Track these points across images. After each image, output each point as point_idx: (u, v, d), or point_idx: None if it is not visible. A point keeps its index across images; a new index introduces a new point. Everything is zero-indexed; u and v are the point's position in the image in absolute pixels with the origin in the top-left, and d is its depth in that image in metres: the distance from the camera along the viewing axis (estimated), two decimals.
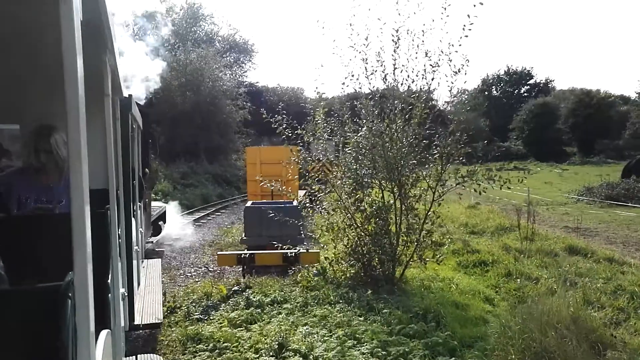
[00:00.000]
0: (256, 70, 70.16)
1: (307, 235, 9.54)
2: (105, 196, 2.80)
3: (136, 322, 4.70)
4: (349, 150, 7.47)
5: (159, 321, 4.98)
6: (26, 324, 1.54)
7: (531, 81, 76.22)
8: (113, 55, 2.49)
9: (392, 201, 7.31)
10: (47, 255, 2.24)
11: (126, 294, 3.53)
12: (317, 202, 8.16)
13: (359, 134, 7.31)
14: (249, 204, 10.75)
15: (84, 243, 1.26)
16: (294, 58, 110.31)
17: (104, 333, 1.97)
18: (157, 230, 10.98)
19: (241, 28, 71.49)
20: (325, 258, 8.00)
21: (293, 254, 8.02)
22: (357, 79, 7.41)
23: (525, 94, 73.50)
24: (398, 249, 7.22)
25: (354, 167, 7.39)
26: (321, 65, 8.66)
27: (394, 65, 7.13)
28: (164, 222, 11.86)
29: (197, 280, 8.82)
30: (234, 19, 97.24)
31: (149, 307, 5.24)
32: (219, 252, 8.85)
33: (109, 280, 2.54)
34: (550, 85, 75.74)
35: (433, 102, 7.60)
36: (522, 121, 58.01)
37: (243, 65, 45.81)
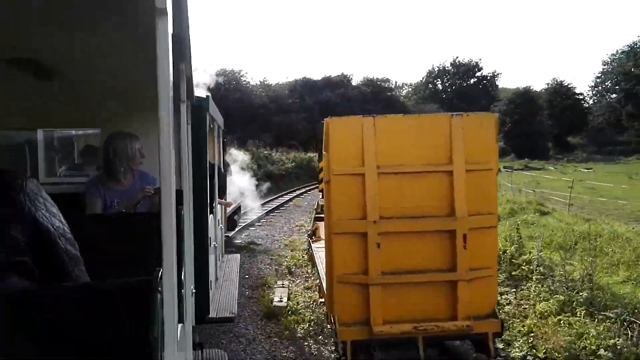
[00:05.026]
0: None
1: None
2: (180, 197, 2.75)
3: (210, 316, 4.78)
4: None
5: (233, 315, 4.99)
6: (119, 316, 1.58)
7: (478, 74, 70.95)
8: (189, 65, 2.60)
9: None
10: (132, 253, 2.33)
11: (194, 290, 3.60)
12: None
13: None
14: None
15: (172, 240, 1.31)
16: (229, 35, 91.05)
17: (179, 327, 2.09)
18: (232, 225, 11.06)
19: None
20: None
21: None
22: None
23: (473, 86, 68.38)
24: None
25: None
26: None
27: None
28: (239, 217, 12.06)
29: None
30: None
31: (224, 302, 5.29)
32: None
33: (182, 277, 2.70)
34: (497, 78, 71.14)
35: None
36: (502, 112, 49.56)
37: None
